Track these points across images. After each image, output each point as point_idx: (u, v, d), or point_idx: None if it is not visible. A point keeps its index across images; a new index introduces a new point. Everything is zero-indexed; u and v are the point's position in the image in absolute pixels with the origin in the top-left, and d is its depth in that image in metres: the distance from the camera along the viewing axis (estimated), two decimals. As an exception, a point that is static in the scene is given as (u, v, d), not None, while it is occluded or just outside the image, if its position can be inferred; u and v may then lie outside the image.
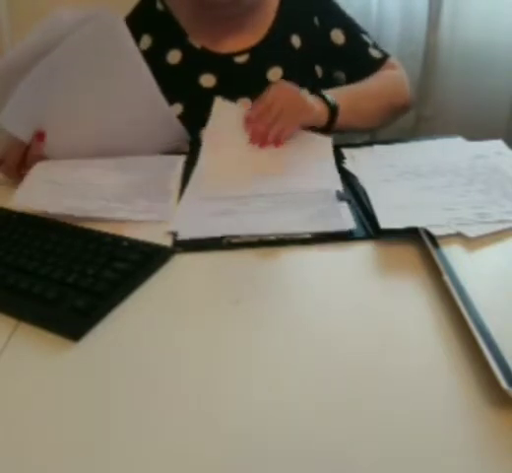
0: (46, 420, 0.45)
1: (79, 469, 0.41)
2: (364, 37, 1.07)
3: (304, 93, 0.95)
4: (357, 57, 1.06)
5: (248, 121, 0.88)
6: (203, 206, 0.76)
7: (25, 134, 0.81)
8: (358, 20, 1.10)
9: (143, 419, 0.45)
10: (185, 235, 0.69)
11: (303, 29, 1.04)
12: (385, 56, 1.08)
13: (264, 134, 0.86)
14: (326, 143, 0.90)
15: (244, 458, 0.41)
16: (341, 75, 1.07)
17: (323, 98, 0.93)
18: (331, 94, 0.94)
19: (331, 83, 1.05)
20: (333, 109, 0.92)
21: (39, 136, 0.83)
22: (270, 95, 0.88)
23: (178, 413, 0.45)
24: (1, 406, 0.47)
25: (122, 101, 0.87)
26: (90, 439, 0.43)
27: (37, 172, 0.82)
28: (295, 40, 1.04)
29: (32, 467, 0.42)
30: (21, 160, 0.84)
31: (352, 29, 1.06)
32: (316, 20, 1.04)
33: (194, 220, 0.73)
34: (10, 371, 0.51)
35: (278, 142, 0.87)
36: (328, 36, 1.05)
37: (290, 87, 0.90)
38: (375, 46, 1.08)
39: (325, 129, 0.93)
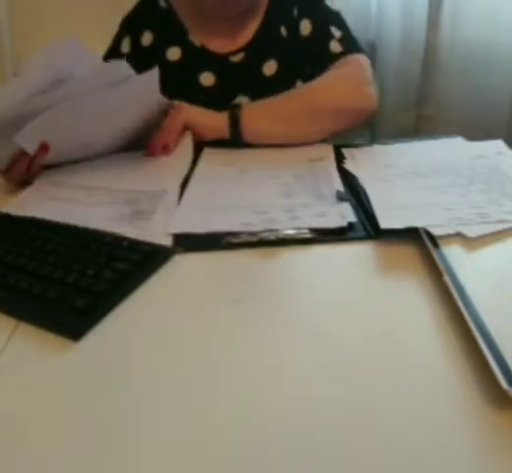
0: (46, 420, 0.45)
1: (79, 469, 0.41)
2: (333, 29, 1.00)
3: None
4: (316, 50, 1.01)
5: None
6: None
7: (33, 149, 0.85)
8: (358, 20, 1.10)
9: (143, 418, 0.45)
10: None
11: (287, 19, 1.03)
12: (347, 51, 0.99)
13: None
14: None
15: (244, 458, 0.41)
16: (308, 68, 1.02)
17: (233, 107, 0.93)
18: (254, 103, 0.94)
19: None
20: (233, 114, 0.91)
21: (44, 147, 0.85)
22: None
23: (178, 413, 0.45)
24: (1, 406, 0.47)
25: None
26: (90, 438, 0.43)
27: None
28: (283, 31, 1.03)
29: (32, 467, 0.42)
30: (26, 169, 0.86)
31: (322, 19, 1.01)
32: (295, 12, 1.03)
33: None
34: (10, 371, 0.51)
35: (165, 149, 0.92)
36: (297, 27, 1.02)
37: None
38: (343, 40, 0.99)
39: (234, 138, 0.92)
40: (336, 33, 1.00)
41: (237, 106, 0.93)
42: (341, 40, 1.00)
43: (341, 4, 1.08)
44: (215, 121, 0.92)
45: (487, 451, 0.40)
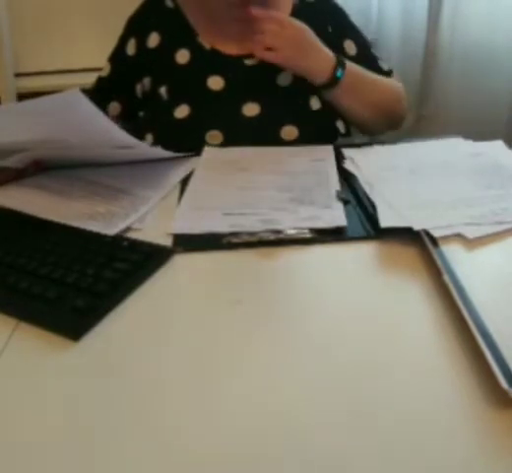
0: (46, 420, 0.45)
1: (79, 469, 0.41)
2: (372, 51, 1.10)
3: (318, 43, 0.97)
4: (369, 68, 1.08)
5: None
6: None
7: (23, 164, 0.86)
8: (358, 20, 1.10)
9: (143, 419, 0.45)
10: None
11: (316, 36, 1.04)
12: (391, 70, 1.11)
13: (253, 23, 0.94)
14: None
15: (243, 459, 0.41)
16: None
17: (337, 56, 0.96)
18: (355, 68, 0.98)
19: None
20: (340, 64, 0.95)
21: (36, 164, 0.86)
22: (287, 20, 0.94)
23: (177, 413, 0.45)
24: (0, 406, 0.47)
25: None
26: (90, 438, 0.43)
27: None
28: None
29: (31, 467, 0.42)
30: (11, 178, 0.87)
31: (362, 42, 1.09)
32: (330, 29, 1.05)
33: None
34: (10, 371, 0.51)
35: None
36: (341, 47, 1.06)
37: (306, 29, 0.95)
38: (381, 60, 1.11)
39: (325, 87, 0.96)
40: (375, 53, 1.11)
41: (343, 59, 0.96)
42: (381, 60, 1.11)
43: (341, 5, 1.09)
44: (321, 63, 0.96)
45: (487, 451, 0.40)
